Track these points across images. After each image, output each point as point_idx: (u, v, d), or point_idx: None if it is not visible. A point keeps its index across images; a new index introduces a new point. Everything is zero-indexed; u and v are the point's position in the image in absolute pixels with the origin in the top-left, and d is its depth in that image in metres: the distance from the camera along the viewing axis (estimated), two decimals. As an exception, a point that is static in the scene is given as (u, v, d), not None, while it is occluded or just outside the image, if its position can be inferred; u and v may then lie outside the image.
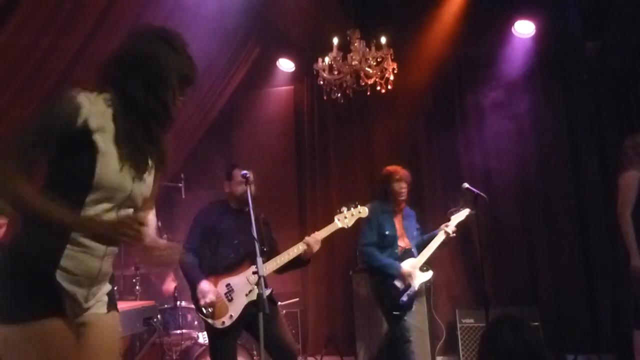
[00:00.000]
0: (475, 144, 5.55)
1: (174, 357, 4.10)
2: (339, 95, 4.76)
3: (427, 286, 4.88)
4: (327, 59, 4.68)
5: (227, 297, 3.15)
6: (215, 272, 3.21)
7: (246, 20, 5.01)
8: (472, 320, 4.92)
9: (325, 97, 4.82)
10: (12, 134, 3.74)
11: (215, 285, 3.16)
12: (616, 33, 4.85)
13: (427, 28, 5.39)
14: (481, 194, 3.91)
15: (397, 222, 4.10)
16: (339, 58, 4.58)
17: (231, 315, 3.12)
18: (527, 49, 5.31)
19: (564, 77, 5.40)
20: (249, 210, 2.84)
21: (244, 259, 3.21)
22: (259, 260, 2.69)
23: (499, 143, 5.41)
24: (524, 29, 5.27)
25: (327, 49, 4.71)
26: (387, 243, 3.98)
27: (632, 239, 3.37)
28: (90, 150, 1.61)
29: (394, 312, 3.90)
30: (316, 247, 3.25)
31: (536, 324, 4.71)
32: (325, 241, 3.39)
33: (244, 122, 6.41)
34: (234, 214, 3.38)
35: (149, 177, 1.80)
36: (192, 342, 4.15)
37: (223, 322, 3.10)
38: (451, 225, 4.06)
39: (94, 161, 1.61)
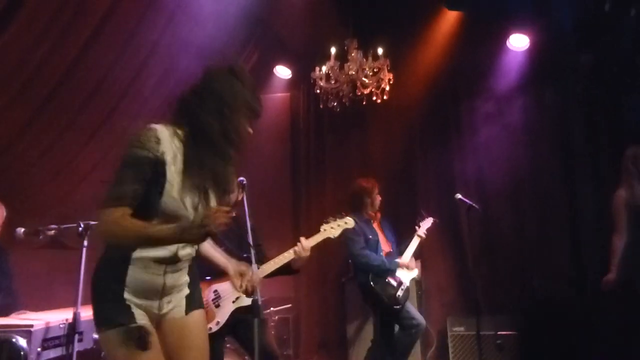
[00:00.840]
0: (469, 154, 5.62)
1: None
2: (335, 103, 4.83)
3: (419, 294, 4.94)
4: (324, 68, 4.75)
5: (214, 303, 3.19)
6: (203, 278, 3.19)
7: (245, 26, 5.06)
8: (462, 329, 4.96)
9: (321, 106, 4.89)
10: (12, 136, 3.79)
11: (203, 291, 3.17)
12: (609, 45, 4.93)
13: (423, 40, 5.50)
14: (473, 204, 4.04)
15: (377, 227, 4.45)
16: (336, 67, 4.65)
17: (218, 322, 3.15)
18: (521, 61, 5.39)
19: (558, 89, 5.48)
20: (244, 216, 2.87)
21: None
22: (254, 267, 2.72)
23: (492, 153, 5.48)
24: (519, 42, 5.35)
25: (325, 57, 4.78)
26: (372, 247, 4.25)
27: (614, 257, 3.49)
28: (161, 180, 1.81)
29: (395, 307, 4.13)
30: (304, 254, 3.24)
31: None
32: (318, 249, 3.42)
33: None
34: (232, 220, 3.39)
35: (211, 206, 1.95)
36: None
37: (210, 328, 3.12)
38: (421, 230, 4.44)
39: (162, 190, 1.81)
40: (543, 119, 5.46)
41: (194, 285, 2.07)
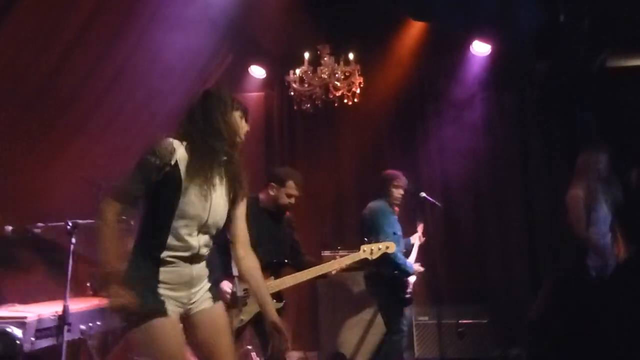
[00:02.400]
0: (434, 154, 5.93)
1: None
2: (309, 105, 5.04)
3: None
4: (297, 71, 4.95)
5: (241, 301, 3.15)
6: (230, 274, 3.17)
7: (221, 28, 5.21)
8: (426, 318, 5.20)
9: (295, 107, 5.10)
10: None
11: (233, 286, 3.16)
12: (565, 54, 5.24)
13: (392, 46, 5.77)
14: (436, 202, 4.32)
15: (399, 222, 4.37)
16: (309, 71, 4.86)
17: (242, 319, 3.19)
18: (483, 67, 5.70)
19: (517, 94, 5.84)
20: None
21: (266, 268, 3.09)
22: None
23: (456, 153, 5.78)
24: (481, 48, 5.66)
25: (299, 61, 4.98)
26: (397, 243, 4.12)
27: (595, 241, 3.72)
28: (176, 186, 2.06)
29: (404, 307, 4.22)
30: (338, 269, 3.44)
31: (485, 321, 5.09)
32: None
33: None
34: (268, 218, 3.42)
35: (223, 209, 2.20)
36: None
37: (233, 325, 3.14)
38: (418, 236, 4.57)
39: (179, 194, 2.06)
40: (503, 123, 5.80)
41: (212, 279, 2.29)
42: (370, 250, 3.54)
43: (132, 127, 4.86)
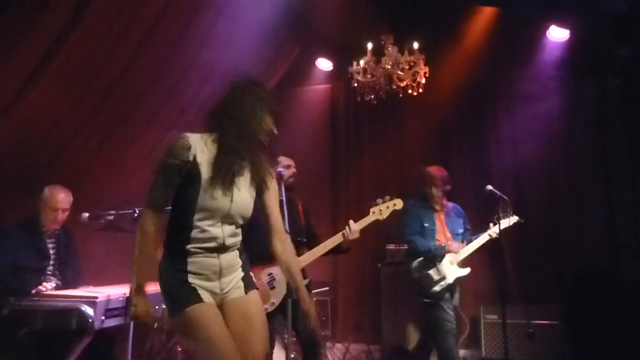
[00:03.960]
0: (506, 145, 5.68)
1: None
2: (373, 96, 4.99)
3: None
4: (361, 62, 4.92)
5: (269, 285, 3.35)
6: (259, 261, 3.26)
7: (286, 22, 5.27)
8: (495, 317, 5.06)
9: (359, 99, 5.07)
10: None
11: (259, 274, 3.34)
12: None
13: (459, 34, 5.56)
14: (503, 196, 4.05)
15: (437, 218, 4.16)
16: (372, 62, 4.81)
17: (273, 302, 3.31)
18: (561, 53, 5.38)
19: (597, 81, 5.44)
20: (283, 202, 3.04)
21: None
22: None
23: (529, 144, 5.50)
24: (558, 33, 5.34)
25: (362, 52, 4.94)
26: (426, 235, 4.05)
27: None
28: (197, 180, 2.10)
29: (425, 300, 3.96)
30: (354, 236, 3.38)
31: (556, 322, 4.84)
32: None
33: (283, 118, 6.70)
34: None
35: (247, 200, 2.23)
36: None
37: (266, 309, 3.27)
38: (495, 229, 4.10)
39: (199, 188, 2.10)
40: (581, 113, 5.45)
41: (246, 268, 2.31)
42: (379, 211, 3.49)
43: (201, 120, 5.02)
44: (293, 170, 3.61)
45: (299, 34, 5.85)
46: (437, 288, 3.94)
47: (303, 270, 3.39)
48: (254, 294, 2.30)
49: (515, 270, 5.34)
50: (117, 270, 3.97)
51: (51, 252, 3.65)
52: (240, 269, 2.28)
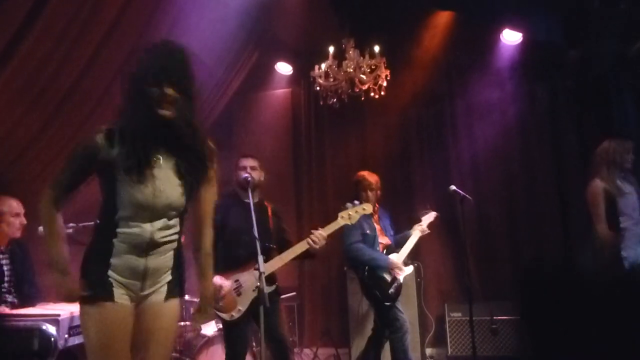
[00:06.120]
0: (464, 146, 5.82)
1: (177, 348, 4.26)
2: (335, 100, 5.01)
3: (418, 281, 5.13)
4: (323, 66, 4.92)
5: (236, 292, 3.32)
6: (226, 269, 3.31)
7: (246, 26, 5.22)
8: (460, 314, 5.14)
9: (321, 102, 5.07)
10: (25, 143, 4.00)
11: (226, 280, 3.31)
12: (597, 42, 5.07)
13: (418, 37, 5.67)
14: (467, 196, 4.18)
15: (375, 222, 4.31)
16: (334, 66, 4.82)
17: (239, 309, 3.30)
18: (514, 56, 5.55)
19: (549, 83, 5.65)
20: (250, 208, 3.06)
21: (251, 256, 3.15)
22: (260, 258, 2.94)
23: (486, 145, 5.67)
24: (511, 37, 5.50)
25: (323, 56, 4.94)
26: (368, 242, 4.15)
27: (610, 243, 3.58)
28: (111, 177, 2.00)
29: (385, 303, 4.05)
30: (321, 243, 3.35)
31: (517, 317, 4.96)
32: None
33: (244, 123, 6.65)
34: (242, 207, 3.35)
35: (174, 191, 2.05)
36: (196, 333, 4.37)
37: (232, 315, 3.30)
38: (423, 225, 4.38)
39: (116, 183, 2.00)
40: (535, 114, 5.63)
41: (178, 272, 2.13)
42: (348, 216, 3.48)
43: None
44: (259, 172, 3.55)
45: (258, 38, 5.80)
46: (392, 290, 4.11)
47: (272, 276, 3.39)
48: (173, 302, 2.12)
49: (476, 268, 5.46)
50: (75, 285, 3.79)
51: (5, 268, 3.46)
52: (170, 272, 2.10)
